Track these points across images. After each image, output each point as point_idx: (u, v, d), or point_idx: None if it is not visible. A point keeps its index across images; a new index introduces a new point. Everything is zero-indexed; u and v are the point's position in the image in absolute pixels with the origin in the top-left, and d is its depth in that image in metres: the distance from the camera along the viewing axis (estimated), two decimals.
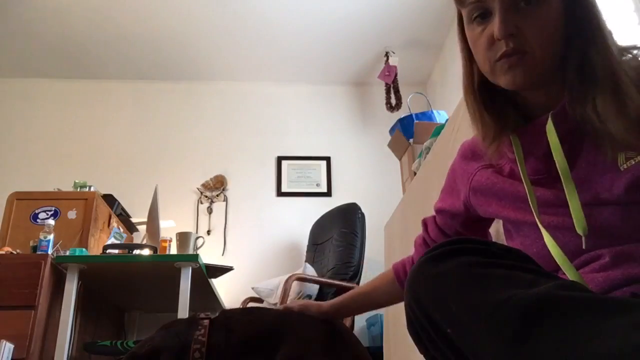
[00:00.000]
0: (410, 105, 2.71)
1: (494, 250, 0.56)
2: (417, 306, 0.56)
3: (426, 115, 2.29)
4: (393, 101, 3.43)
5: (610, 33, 0.66)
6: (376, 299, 1.02)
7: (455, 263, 0.54)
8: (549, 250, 0.64)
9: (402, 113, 3.03)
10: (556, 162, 0.66)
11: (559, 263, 0.62)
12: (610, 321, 0.41)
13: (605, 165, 0.63)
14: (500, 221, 0.88)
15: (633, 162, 0.61)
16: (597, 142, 0.64)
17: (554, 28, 0.66)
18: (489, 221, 0.92)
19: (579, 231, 0.62)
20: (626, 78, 0.63)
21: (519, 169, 0.70)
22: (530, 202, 0.68)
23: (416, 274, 0.58)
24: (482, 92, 0.75)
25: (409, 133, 2.18)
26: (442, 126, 1.65)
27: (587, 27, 0.66)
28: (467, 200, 0.83)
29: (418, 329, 0.57)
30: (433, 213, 0.97)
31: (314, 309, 0.99)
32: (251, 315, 0.91)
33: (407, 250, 1.91)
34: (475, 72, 0.75)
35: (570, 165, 0.65)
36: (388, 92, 3.48)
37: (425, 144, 1.83)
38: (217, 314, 0.92)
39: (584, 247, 0.62)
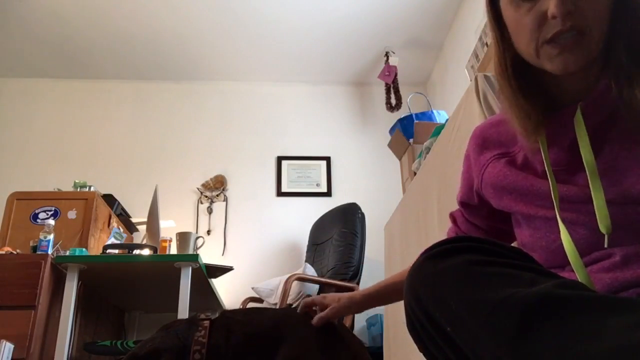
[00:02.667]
0: (410, 105, 2.71)
1: (494, 248, 0.56)
2: (417, 304, 0.56)
3: (426, 115, 2.29)
4: (393, 101, 3.43)
5: None
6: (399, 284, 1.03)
7: (455, 261, 0.54)
8: (558, 245, 0.63)
9: (402, 113, 3.03)
10: (583, 157, 0.63)
11: (570, 260, 0.62)
12: (610, 320, 0.40)
13: (630, 160, 0.61)
14: None
15: None
16: (633, 132, 0.60)
17: (607, 4, 0.62)
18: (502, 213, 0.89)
19: (603, 230, 0.60)
20: None
21: (544, 160, 0.67)
22: (552, 196, 0.65)
23: (416, 272, 0.58)
24: (517, 77, 0.69)
25: (409, 133, 2.18)
26: (442, 126, 1.65)
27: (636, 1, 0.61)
28: (479, 190, 0.82)
29: (418, 328, 0.57)
30: (457, 206, 0.95)
31: (345, 302, 0.97)
32: (251, 316, 0.90)
33: (407, 250, 1.91)
34: (507, 54, 0.70)
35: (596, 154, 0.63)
36: (388, 92, 3.48)
37: (425, 144, 1.83)
38: (217, 315, 0.92)
39: (605, 245, 0.61)
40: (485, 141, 0.81)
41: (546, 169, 0.67)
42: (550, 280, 0.48)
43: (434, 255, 0.57)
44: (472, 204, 0.87)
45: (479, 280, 0.51)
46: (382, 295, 1.00)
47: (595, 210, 0.61)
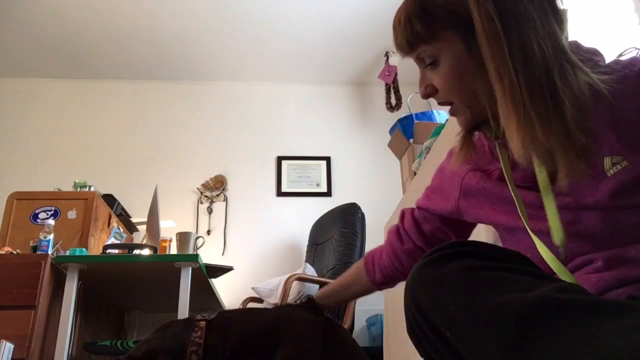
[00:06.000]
0: (410, 105, 2.71)
1: (493, 253, 0.56)
2: (417, 309, 0.56)
3: (426, 115, 2.29)
4: (393, 101, 3.43)
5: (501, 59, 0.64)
6: (353, 291, 1.06)
7: (454, 266, 0.54)
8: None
9: (402, 113, 3.03)
10: (537, 175, 0.66)
11: (552, 267, 0.63)
12: (609, 323, 0.41)
13: (592, 170, 0.63)
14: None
15: (619, 167, 0.61)
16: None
17: (459, 75, 0.70)
18: (472, 224, 0.91)
19: (556, 242, 0.63)
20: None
21: (506, 178, 0.70)
22: (519, 210, 0.68)
23: (415, 277, 0.58)
24: None
25: (409, 133, 2.18)
26: (442, 126, 1.65)
27: (484, 50, 0.66)
28: (456, 203, 0.82)
29: (418, 332, 0.57)
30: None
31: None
32: (248, 316, 0.90)
33: None
34: None
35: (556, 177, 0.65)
36: (388, 92, 3.48)
37: (425, 144, 1.82)
38: (213, 315, 0.92)
39: (560, 257, 0.63)
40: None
41: (508, 184, 0.69)
42: (549, 283, 0.48)
43: (433, 260, 0.57)
44: (433, 210, 0.89)
45: (477, 285, 0.51)
46: (336, 298, 1.06)
47: (549, 224, 0.64)
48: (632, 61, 0.66)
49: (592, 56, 0.69)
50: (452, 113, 0.76)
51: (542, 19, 0.65)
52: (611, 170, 0.61)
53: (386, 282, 0.99)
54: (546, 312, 0.44)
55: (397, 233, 0.96)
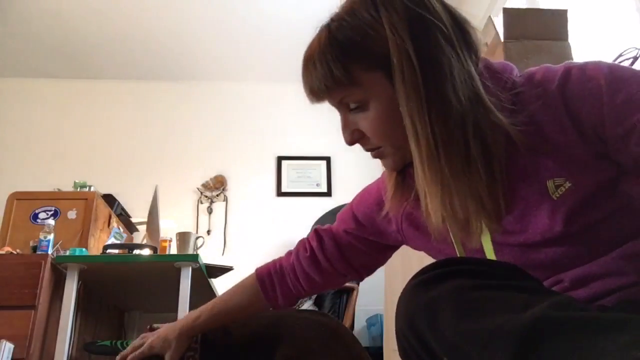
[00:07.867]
0: None
1: (486, 269, 0.55)
2: (412, 332, 0.54)
3: None
4: None
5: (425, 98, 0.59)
6: (233, 312, 0.92)
7: (447, 287, 0.52)
8: None
9: None
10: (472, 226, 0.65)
11: None
12: (609, 339, 0.40)
13: (539, 197, 0.62)
14: None
15: (563, 190, 0.60)
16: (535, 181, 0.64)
17: (391, 118, 0.64)
18: (397, 248, 0.89)
19: None
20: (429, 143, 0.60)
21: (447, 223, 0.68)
22: (457, 252, 0.67)
23: (409, 299, 0.56)
24: None
25: None
26: None
27: (401, 102, 0.62)
28: (399, 229, 0.79)
29: (412, 356, 0.56)
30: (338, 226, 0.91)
31: (176, 341, 0.84)
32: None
33: (405, 249, 1.90)
34: None
35: (507, 206, 0.64)
36: None
37: None
38: None
39: None
40: None
41: (449, 231, 0.68)
42: (544, 299, 0.47)
43: (426, 280, 0.55)
44: (361, 235, 0.86)
45: (472, 307, 0.50)
46: (207, 324, 0.88)
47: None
48: (545, 76, 0.63)
49: (504, 75, 0.65)
50: (378, 156, 0.70)
51: (460, 57, 0.61)
52: (556, 193, 0.60)
53: (289, 304, 0.92)
54: (543, 332, 0.43)
55: (312, 256, 0.89)
